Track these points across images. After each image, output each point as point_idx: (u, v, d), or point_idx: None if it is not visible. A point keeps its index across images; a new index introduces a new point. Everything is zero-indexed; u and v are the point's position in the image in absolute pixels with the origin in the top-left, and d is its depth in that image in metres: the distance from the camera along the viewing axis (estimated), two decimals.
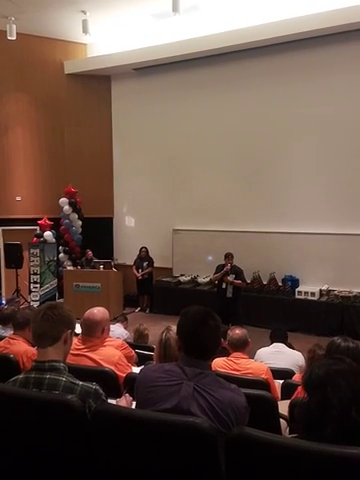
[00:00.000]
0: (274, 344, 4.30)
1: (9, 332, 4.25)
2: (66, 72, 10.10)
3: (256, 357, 4.13)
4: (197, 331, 1.81)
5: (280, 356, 4.06)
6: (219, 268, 7.22)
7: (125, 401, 2.28)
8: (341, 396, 1.39)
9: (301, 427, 1.49)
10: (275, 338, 4.42)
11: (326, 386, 1.42)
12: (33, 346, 3.08)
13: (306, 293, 8.07)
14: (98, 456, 1.72)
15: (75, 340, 2.92)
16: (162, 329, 2.57)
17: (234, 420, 1.68)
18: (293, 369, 3.83)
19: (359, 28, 7.47)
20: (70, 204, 9.76)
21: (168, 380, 1.77)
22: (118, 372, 2.85)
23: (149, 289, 9.47)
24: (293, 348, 4.40)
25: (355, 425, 1.36)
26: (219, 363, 3.30)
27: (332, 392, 1.40)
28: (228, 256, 7.12)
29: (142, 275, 9.38)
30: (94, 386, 1.90)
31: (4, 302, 8.21)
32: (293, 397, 2.58)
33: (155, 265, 9.49)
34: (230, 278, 7.03)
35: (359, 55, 7.77)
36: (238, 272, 7.10)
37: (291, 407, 2.34)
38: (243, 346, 3.49)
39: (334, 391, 1.40)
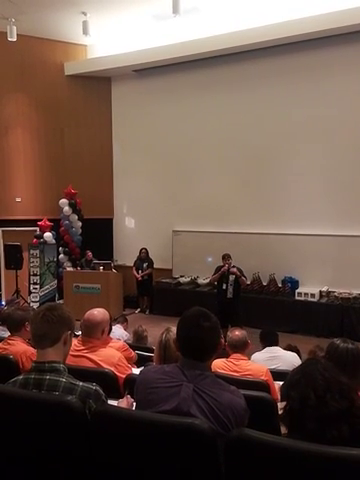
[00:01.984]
0: (267, 348, 4.16)
1: (8, 333, 4.26)
2: (66, 73, 10.12)
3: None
4: (191, 333, 1.81)
5: (275, 361, 3.96)
6: (218, 269, 7.21)
7: (126, 402, 2.28)
8: (316, 387, 1.48)
9: (287, 427, 1.55)
10: (267, 342, 4.24)
11: (301, 383, 1.52)
12: (32, 346, 3.09)
13: (306, 294, 8.07)
14: (98, 457, 1.72)
15: (75, 341, 2.92)
16: (162, 330, 2.58)
17: (234, 422, 1.68)
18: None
19: None
20: (70, 205, 9.77)
21: (168, 381, 1.77)
22: (118, 373, 2.85)
23: (149, 290, 9.47)
24: (298, 351, 4.32)
25: (333, 410, 1.44)
26: (219, 364, 3.30)
27: (307, 386, 1.50)
28: (225, 257, 7.12)
29: (142, 276, 9.38)
30: (94, 387, 1.90)
31: (4, 303, 8.20)
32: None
33: (155, 266, 9.50)
34: (234, 270, 6.98)
35: None
36: (238, 271, 7.07)
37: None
38: (243, 347, 3.49)
39: (309, 384, 1.50)
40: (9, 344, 3.37)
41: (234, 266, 7.07)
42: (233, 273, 6.96)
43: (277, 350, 4.13)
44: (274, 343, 4.21)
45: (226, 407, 1.69)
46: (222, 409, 1.68)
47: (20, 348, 3.27)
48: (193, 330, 1.81)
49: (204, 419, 1.64)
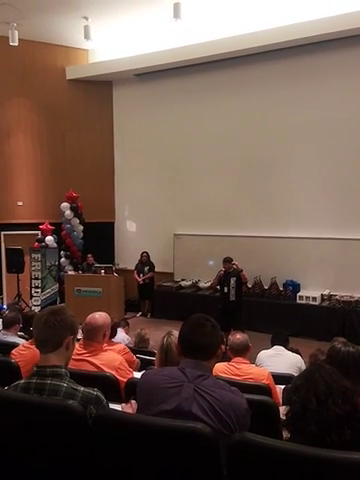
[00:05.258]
0: (275, 347, 4.36)
1: (10, 337, 4.28)
2: (68, 78, 10.15)
3: (257, 360, 4.18)
4: (193, 331, 1.88)
5: (280, 358, 4.11)
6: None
7: (131, 408, 2.27)
8: (317, 392, 1.50)
9: (290, 431, 1.57)
10: (276, 341, 4.48)
11: (303, 388, 1.54)
12: None
13: (307, 298, 8.06)
14: (99, 461, 1.72)
15: (76, 345, 2.92)
16: (163, 334, 2.58)
17: (236, 422, 1.69)
18: (293, 371, 3.84)
19: (359, 34, 7.52)
20: (71, 209, 9.78)
21: (169, 382, 1.78)
22: (119, 377, 2.85)
23: (150, 294, 9.47)
24: (299, 353, 4.42)
25: (334, 415, 1.46)
26: (220, 368, 3.29)
27: (308, 390, 1.52)
28: (225, 260, 7.09)
29: (143, 280, 9.38)
30: (95, 392, 1.89)
31: (5, 307, 8.20)
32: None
33: (156, 270, 9.50)
34: (238, 265, 7.00)
35: (358, 60, 7.82)
36: (238, 271, 7.05)
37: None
38: (244, 351, 3.49)
39: (310, 389, 1.52)
40: (29, 348, 3.41)
41: (234, 269, 7.05)
42: (236, 267, 6.95)
43: (282, 350, 4.31)
44: (280, 342, 4.40)
45: (228, 407, 1.69)
46: (224, 409, 1.69)
47: (37, 352, 3.31)
48: (195, 328, 1.88)
49: (206, 418, 1.65)
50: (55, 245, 9.56)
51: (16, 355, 3.39)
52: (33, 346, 3.32)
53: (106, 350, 3.09)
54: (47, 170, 10.00)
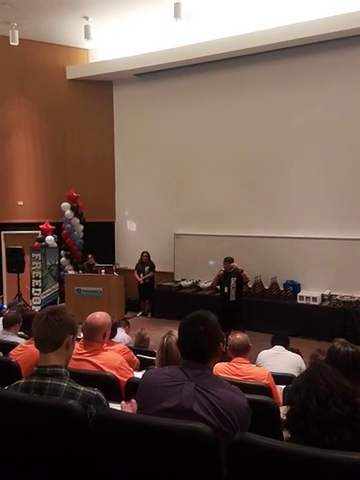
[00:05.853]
0: (275, 347, 4.41)
1: (10, 336, 4.28)
2: (68, 77, 10.15)
3: (258, 359, 4.23)
4: (189, 335, 1.86)
5: (281, 358, 4.15)
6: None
7: (131, 407, 2.26)
8: (318, 392, 1.50)
9: (290, 431, 1.57)
10: (276, 342, 4.52)
11: (304, 388, 1.54)
12: None
13: (308, 298, 8.06)
14: (99, 461, 1.72)
15: (77, 344, 2.92)
16: (164, 334, 2.58)
17: (237, 421, 1.69)
18: (293, 371, 3.87)
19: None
20: (72, 209, 9.77)
21: (169, 381, 1.79)
22: (119, 377, 2.85)
23: (151, 294, 9.47)
24: (300, 353, 4.45)
25: (334, 415, 1.45)
26: (221, 368, 3.29)
27: (309, 390, 1.52)
28: (226, 260, 7.08)
29: (143, 280, 9.38)
30: (95, 392, 1.89)
31: (6, 306, 8.21)
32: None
33: (156, 269, 9.50)
34: (238, 266, 7.01)
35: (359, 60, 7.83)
36: (238, 272, 7.05)
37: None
38: (244, 351, 3.50)
39: (311, 389, 1.52)
40: (26, 347, 3.40)
41: (235, 269, 7.05)
42: (236, 268, 6.95)
43: (283, 349, 4.36)
44: (281, 342, 4.46)
45: (229, 405, 1.70)
46: (225, 407, 1.69)
47: (34, 351, 3.30)
48: (189, 334, 1.86)
49: (207, 416, 1.66)
50: (55, 245, 9.56)
51: (14, 355, 3.39)
52: (30, 345, 3.33)
53: (106, 350, 3.10)
54: (47, 170, 10.00)
